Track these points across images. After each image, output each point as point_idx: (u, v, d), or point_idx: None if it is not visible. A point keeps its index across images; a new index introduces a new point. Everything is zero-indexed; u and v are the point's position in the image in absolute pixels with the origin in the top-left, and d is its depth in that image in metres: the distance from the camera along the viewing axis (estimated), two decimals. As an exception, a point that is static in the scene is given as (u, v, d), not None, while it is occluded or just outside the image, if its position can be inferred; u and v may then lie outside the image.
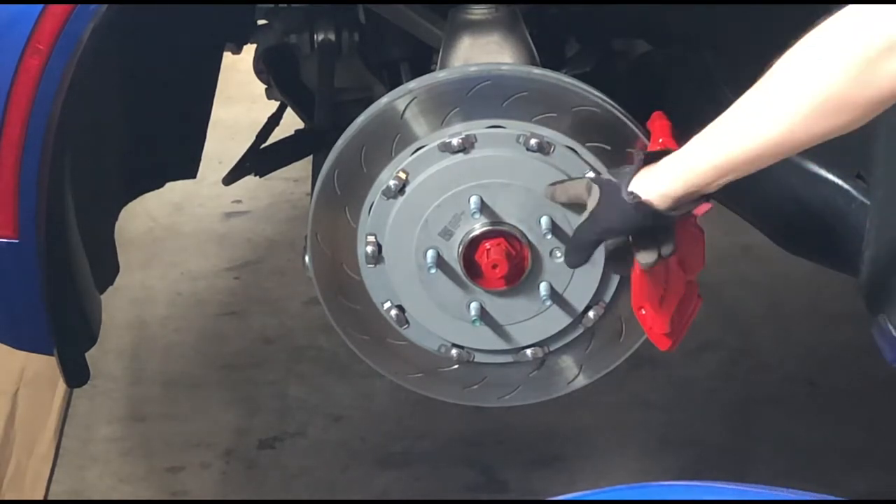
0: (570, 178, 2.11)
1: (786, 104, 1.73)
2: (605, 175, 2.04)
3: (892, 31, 1.63)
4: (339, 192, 2.19)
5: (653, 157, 1.94)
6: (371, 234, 2.19)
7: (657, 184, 1.90)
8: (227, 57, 2.97)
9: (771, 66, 1.75)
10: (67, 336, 2.29)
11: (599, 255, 2.19)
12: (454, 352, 2.25)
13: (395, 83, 2.36)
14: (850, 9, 1.66)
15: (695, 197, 1.89)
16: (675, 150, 1.94)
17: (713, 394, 3.37)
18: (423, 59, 2.59)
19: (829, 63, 1.67)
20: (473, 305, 2.19)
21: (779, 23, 2.38)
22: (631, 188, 1.91)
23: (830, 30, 1.68)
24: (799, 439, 3.20)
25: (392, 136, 2.16)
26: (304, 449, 3.22)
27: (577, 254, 2.06)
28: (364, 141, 2.17)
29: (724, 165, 1.83)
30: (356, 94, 2.78)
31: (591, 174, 2.10)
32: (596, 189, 1.98)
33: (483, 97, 2.14)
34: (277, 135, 2.93)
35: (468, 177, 2.15)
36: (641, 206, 1.90)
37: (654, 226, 1.94)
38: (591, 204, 1.98)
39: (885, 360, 2.12)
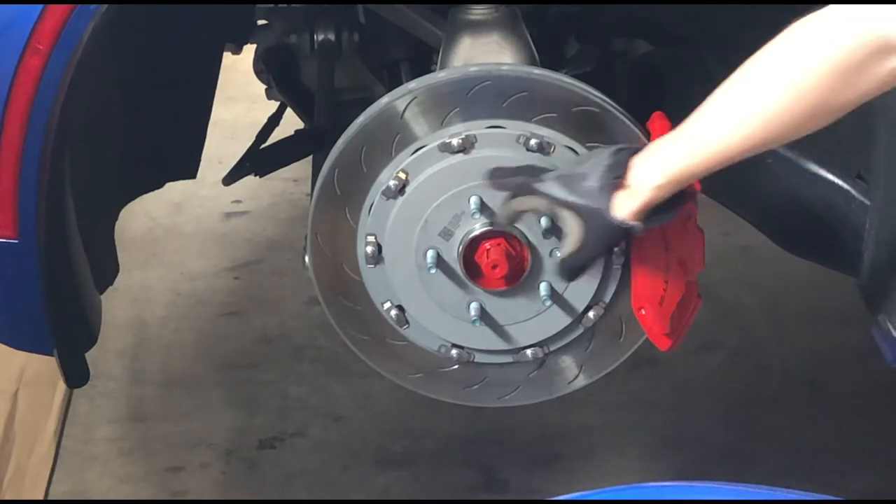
0: (517, 181, 2.05)
1: (767, 107, 1.72)
2: (575, 197, 1.96)
3: (876, 32, 1.60)
4: (339, 192, 2.19)
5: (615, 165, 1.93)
6: (371, 234, 2.19)
7: (641, 188, 1.89)
8: (227, 57, 2.96)
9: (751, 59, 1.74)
10: (67, 336, 2.29)
11: (599, 258, 2.19)
12: (454, 352, 2.25)
13: (395, 83, 2.36)
14: (832, 8, 1.65)
15: (678, 191, 1.89)
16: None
17: (713, 394, 3.37)
18: (423, 59, 2.59)
19: (811, 71, 1.66)
20: (473, 305, 2.19)
21: (778, 23, 2.39)
22: (616, 213, 1.91)
23: (811, 31, 1.66)
24: (799, 439, 3.20)
25: (392, 136, 2.16)
26: (304, 449, 3.22)
27: (570, 276, 2.07)
28: (364, 141, 2.17)
29: (705, 159, 1.82)
30: (356, 94, 2.78)
31: (551, 189, 2.00)
32: (575, 219, 1.96)
33: (483, 97, 2.14)
34: (277, 135, 2.93)
35: (468, 177, 2.15)
36: (627, 225, 1.92)
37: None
38: (577, 234, 1.97)
39: (885, 360, 2.12)
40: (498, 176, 2.09)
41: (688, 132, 1.83)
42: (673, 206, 1.92)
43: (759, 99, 1.73)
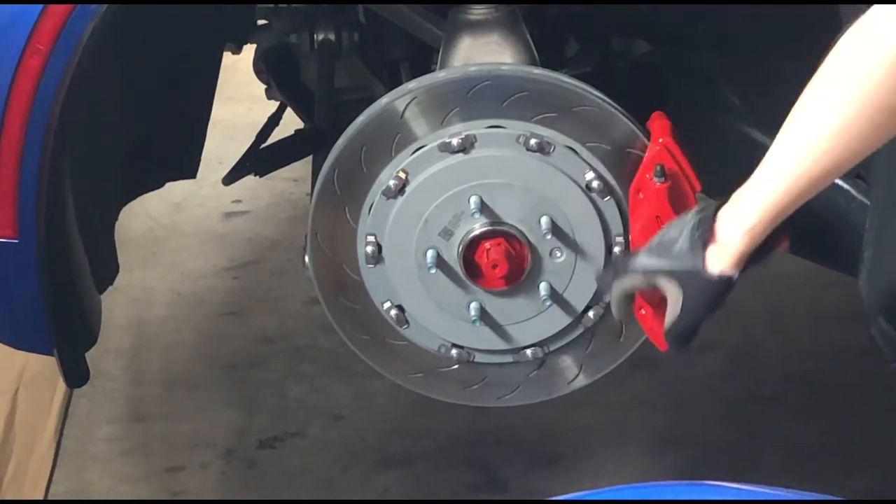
0: (612, 271, 2.02)
1: (836, 120, 1.66)
2: (667, 262, 1.90)
3: None
4: (339, 192, 2.19)
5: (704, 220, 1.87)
6: (371, 234, 2.19)
7: (732, 237, 1.83)
8: (227, 57, 2.96)
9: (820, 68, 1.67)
10: (67, 336, 2.29)
11: (599, 254, 2.19)
12: (454, 352, 2.25)
13: (395, 83, 2.36)
14: (874, 12, 1.61)
15: (772, 230, 1.83)
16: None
17: (713, 394, 3.37)
18: (423, 59, 2.59)
19: (870, 72, 1.60)
20: (473, 305, 2.19)
21: (779, 22, 2.39)
22: (711, 268, 1.86)
23: (860, 38, 1.62)
24: (799, 439, 3.20)
25: (392, 136, 2.16)
26: (304, 449, 3.22)
27: (681, 343, 1.98)
28: (364, 141, 2.17)
29: (788, 192, 1.76)
30: (356, 94, 2.79)
31: (643, 263, 1.93)
32: (672, 285, 1.90)
33: (483, 97, 2.14)
34: (277, 135, 2.93)
35: (468, 177, 2.15)
36: (729, 279, 1.87)
37: None
38: (677, 301, 1.91)
39: (885, 360, 2.12)
40: (604, 280, 2.08)
41: (766, 170, 1.77)
42: (769, 247, 1.87)
43: (826, 115, 1.67)
